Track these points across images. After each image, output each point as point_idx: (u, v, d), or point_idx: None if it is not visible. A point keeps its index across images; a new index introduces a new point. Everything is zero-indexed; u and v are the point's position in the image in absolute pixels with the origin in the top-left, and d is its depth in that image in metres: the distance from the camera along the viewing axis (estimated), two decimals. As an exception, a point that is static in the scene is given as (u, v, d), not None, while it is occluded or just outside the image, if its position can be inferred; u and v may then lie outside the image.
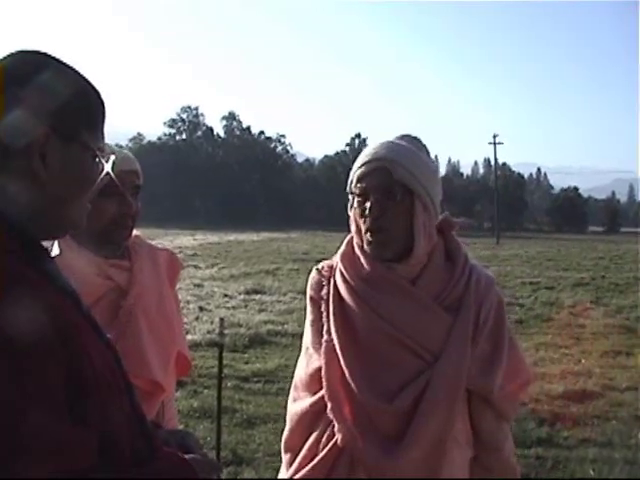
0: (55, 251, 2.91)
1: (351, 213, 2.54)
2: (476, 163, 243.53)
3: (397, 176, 2.38)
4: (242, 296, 19.08)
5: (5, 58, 1.54)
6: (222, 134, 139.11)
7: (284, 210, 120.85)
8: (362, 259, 2.49)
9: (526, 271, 29.14)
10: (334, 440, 2.39)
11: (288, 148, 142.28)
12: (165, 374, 3.07)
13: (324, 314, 2.53)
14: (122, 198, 2.95)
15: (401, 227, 2.41)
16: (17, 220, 1.48)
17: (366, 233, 2.45)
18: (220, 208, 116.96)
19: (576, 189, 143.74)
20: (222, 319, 7.31)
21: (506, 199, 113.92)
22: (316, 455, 2.44)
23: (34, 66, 1.52)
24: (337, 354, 2.42)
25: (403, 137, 2.57)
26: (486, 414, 2.50)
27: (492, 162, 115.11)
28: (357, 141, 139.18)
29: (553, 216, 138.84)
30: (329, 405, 2.40)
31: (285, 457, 2.64)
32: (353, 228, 2.54)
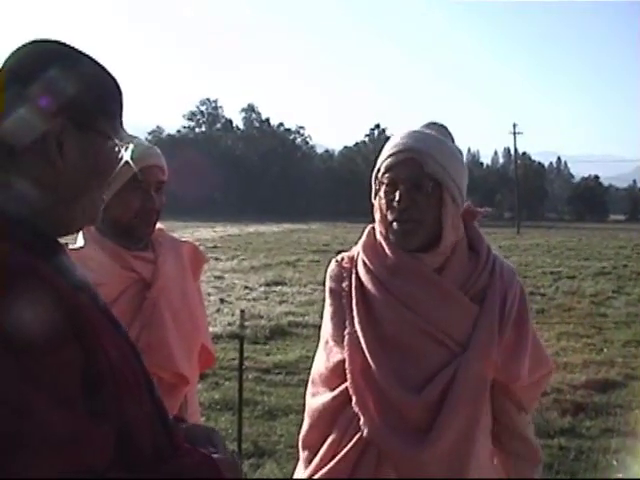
0: (79, 243, 2.95)
1: (376, 202, 2.52)
2: (496, 153, 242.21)
3: (428, 169, 2.37)
4: (263, 288, 19.11)
5: (20, 48, 1.54)
6: (241, 126, 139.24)
7: (304, 201, 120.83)
8: (386, 249, 2.47)
9: (547, 261, 29.05)
10: (359, 435, 2.36)
11: (307, 139, 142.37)
12: (189, 366, 3.08)
13: (346, 306, 2.48)
14: (146, 193, 2.98)
15: (429, 218, 2.40)
16: (30, 214, 1.47)
17: (393, 223, 2.43)
18: (240, 200, 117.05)
19: (597, 178, 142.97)
20: (243, 311, 7.32)
21: (526, 188, 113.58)
22: (338, 452, 2.41)
23: (49, 56, 1.51)
24: (361, 346, 2.39)
25: (430, 125, 2.56)
26: (510, 405, 2.51)
27: (512, 151, 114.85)
28: (376, 132, 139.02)
29: (574, 205, 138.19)
30: (354, 398, 2.37)
31: (303, 454, 2.59)
32: (377, 216, 2.51)
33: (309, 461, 2.53)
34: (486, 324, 2.38)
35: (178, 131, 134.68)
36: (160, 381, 2.82)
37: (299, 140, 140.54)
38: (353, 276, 2.52)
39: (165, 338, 3.01)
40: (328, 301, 2.59)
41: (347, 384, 2.41)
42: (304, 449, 2.60)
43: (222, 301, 16.39)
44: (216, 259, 27.53)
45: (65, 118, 1.48)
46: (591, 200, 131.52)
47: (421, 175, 2.38)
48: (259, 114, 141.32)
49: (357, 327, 2.41)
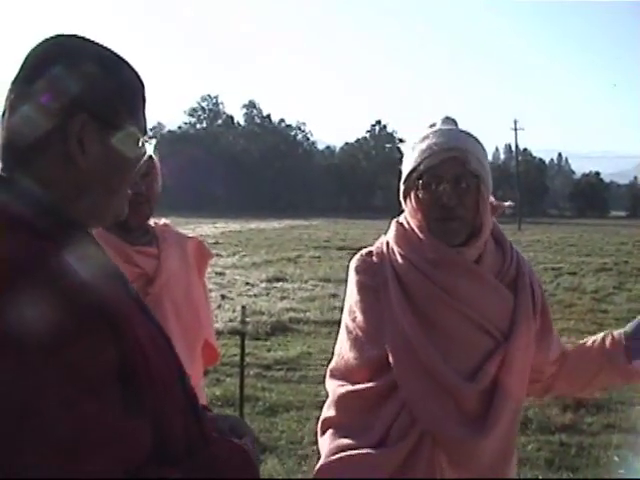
0: None
1: (411, 200, 2.53)
2: (497, 149, 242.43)
3: (470, 166, 2.42)
4: (264, 284, 19.12)
5: (41, 44, 1.54)
6: (242, 122, 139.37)
7: (305, 197, 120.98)
8: (427, 243, 2.49)
9: (548, 257, 29.06)
10: (412, 426, 2.36)
11: (309, 136, 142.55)
12: (191, 362, 3.07)
13: (383, 300, 2.49)
14: (140, 183, 2.99)
15: (472, 213, 2.46)
16: (57, 205, 1.47)
17: (437, 221, 2.46)
18: (241, 196, 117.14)
19: (598, 174, 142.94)
20: (244, 307, 7.34)
21: (527, 185, 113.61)
22: (385, 438, 2.39)
23: (70, 52, 1.52)
24: (408, 339, 2.40)
25: (446, 121, 2.60)
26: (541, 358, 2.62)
27: (513, 148, 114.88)
28: (377, 128, 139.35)
29: (575, 201, 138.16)
30: (404, 391, 2.39)
31: (329, 433, 2.56)
32: (411, 213, 2.54)
33: (338, 437, 2.49)
34: (523, 312, 2.48)
35: (179, 127, 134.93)
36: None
37: (300, 136, 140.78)
38: (388, 269, 2.52)
39: (169, 332, 2.99)
40: (358, 296, 2.56)
41: (391, 374, 2.42)
42: (331, 428, 2.56)
43: (223, 297, 16.39)
44: (217, 255, 27.51)
45: (85, 114, 1.48)
46: (592, 196, 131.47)
47: (465, 172, 2.43)
48: (260, 110, 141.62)
49: (401, 319, 2.43)
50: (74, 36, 1.58)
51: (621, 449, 6.87)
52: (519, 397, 2.44)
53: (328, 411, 2.60)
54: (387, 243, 2.60)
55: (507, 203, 2.70)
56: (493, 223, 2.62)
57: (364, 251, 2.65)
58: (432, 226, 2.48)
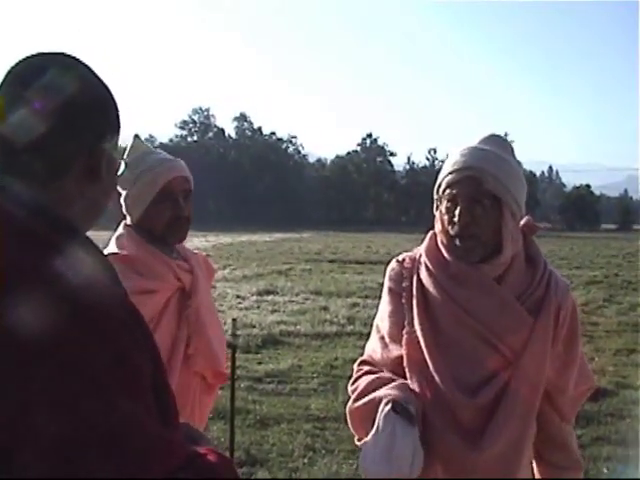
0: (111, 248, 3.09)
1: (437, 214, 2.58)
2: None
3: (487, 186, 2.43)
4: (255, 297, 19.08)
5: (24, 60, 1.54)
6: (233, 135, 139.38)
7: (296, 210, 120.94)
8: (447, 257, 2.54)
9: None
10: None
11: (300, 148, 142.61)
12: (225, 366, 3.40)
13: (405, 306, 2.57)
14: (176, 202, 3.13)
15: (489, 233, 2.46)
16: (54, 209, 1.48)
17: (455, 238, 2.49)
18: (232, 209, 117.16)
19: (588, 187, 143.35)
20: (235, 320, 7.30)
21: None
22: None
23: (47, 67, 1.51)
24: (420, 345, 2.46)
25: (490, 138, 2.61)
26: (554, 416, 2.58)
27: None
28: (368, 141, 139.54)
29: (565, 214, 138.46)
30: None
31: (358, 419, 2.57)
32: (438, 228, 2.58)
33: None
34: (541, 335, 2.45)
35: (170, 140, 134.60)
36: (203, 381, 3.21)
37: (291, 149, 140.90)
38: (414, 277, 2.59)
39: (210, 342, 3.24)
40: (386, 299, 2.67)
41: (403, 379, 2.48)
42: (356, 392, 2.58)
43: (214, 310, 16.32)
44: (208, 268, 27.44)
45: (107, 131, 1.54)
46: (583, 209, 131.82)
47: (480, 192, 2.44)
48: (251, 123, 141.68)
49: (417, 327, 2.49)
50: (58, 53, 1.59)
51: (611, 461, 6.89)
52: (524, 420, 2.42)
53: (351, 386, 2.64)
54: (420, 253, 2.65)
55: (543, 225, 2.71)
56: (531, 244, 2.64)
57: (400, 256, 2.73)
58: (450, 244, 2.52)
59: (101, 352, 1.29)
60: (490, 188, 2.43)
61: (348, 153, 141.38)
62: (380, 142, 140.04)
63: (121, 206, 3.21)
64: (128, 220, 3.22)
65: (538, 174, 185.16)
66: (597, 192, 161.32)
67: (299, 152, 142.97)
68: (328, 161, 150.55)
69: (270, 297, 19.12)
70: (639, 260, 35.99)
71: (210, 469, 1.61)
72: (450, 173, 2.49)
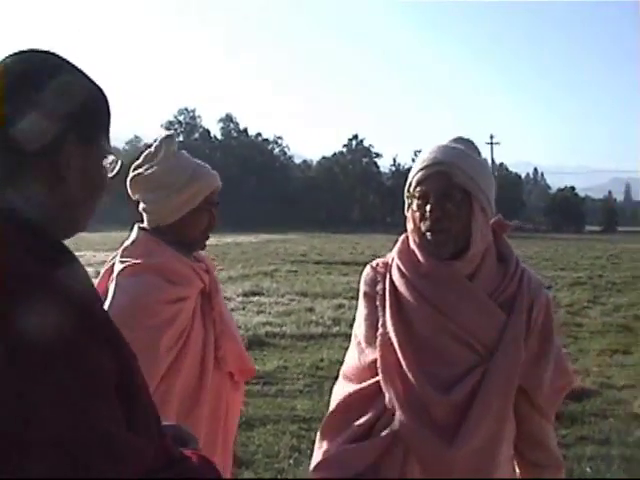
0: (135, 256, 3.08)
1: (408, 214, 2.62)
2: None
3: (456, 180, 2.47)
4: (240, 298, 19.01)
5: (20, 59, 1.54)
6: (219, 136, 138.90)
7: (282, 211, 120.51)
8: (420, 256, 2.57)
9: (524, 271, 29.07)
10: (389, 428, 2.45)
11: (285, 150, 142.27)
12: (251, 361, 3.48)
13: (379, 308, 2.60)
14: (211, 212, 3.23)
15: (460, 228, 2.50)
16: (41, 222, 1.49)
17: (426, 233, 2.53)
18: (217, 210, 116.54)
19: (573, 188, 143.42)
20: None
21: (503, 199, 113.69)
22: (366, 434, 2.49)
23: (53, 69, 1.53)
24: (393, 346, 2.49)
25: (457, 140, 2.66)
26: (532, 413, 2.60)
27: (489, 162, 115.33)
28: (354, 142, 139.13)
29: (550, 216, 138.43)
30: (387, 396, 2.46)
31: (321, 437, 2.65)
32: (410, 227, 2.61)
33: (329, 440, 2.58)
34: (514, 331, 2.48)
35: (155, 140, 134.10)
36: (231, 379, 3.26)
37: (277, 150, 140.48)
38: (387, 280, 2.62)
39: (236, 341, 3.37)
40: (362, 303, 2.71)
41: (378, 379, 2.51)
42: (324, 432, 2.65)
43: (200, 311, 16.26)
44: (193, 269, 27.36)
45: (73, 132, 1.52)
46: (567, 211, 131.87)
47: (450, 186, 2.48)
48: (237, 124, 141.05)
49: (390, 328, 2.52)
50: (50, 53, 1.59)
51: (594, 461, 6.92)
52: (500, 415, 2.44)
53: (330, 411, 2.69)
54: (393, 257, 2.69)
55: (515, 222, 2.74)
56: (503, 242, 2.68)
57: (374, 262, 2.76)
58: (422, 239, 2.55)
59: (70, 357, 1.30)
60: (460, 182, 2.47)
61: (334, 154, 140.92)
62: (366, 143, 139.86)
63: (143, 208, 3.20)
64: (146, 223, 3.22)
65: (523, 176, 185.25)
66: (582, 194, 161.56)
67: (285, 153, 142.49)
68: (314, 162, 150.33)
69: (256, 298, 19.06)
70: (623, 262, 36.19)
71: (193, 471, 1.63)
72: (420, 170, 2.53)
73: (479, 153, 2.67)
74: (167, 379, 2.96)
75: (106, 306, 2.84)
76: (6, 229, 1.43)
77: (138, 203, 3.22)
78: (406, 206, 2.64)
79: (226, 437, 3.30)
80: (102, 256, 31.40)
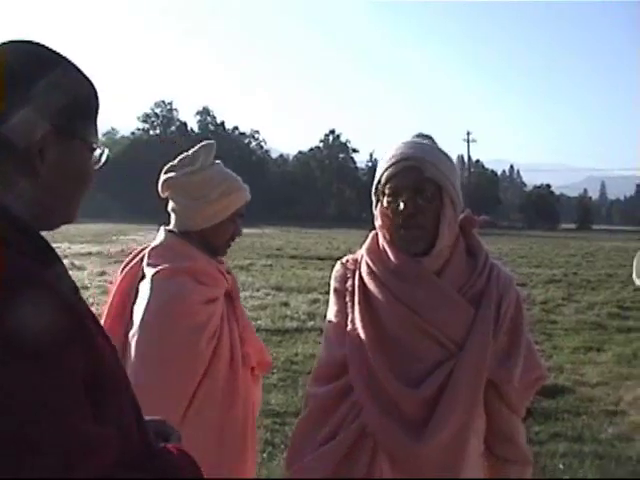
0: (169, 259, 3.17)
1: (377, 211, 2.61)
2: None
3: (428, 174, 2.48)
4: (215, 292, 18.99)
5: (11, 52, 1.52)
6: (196, 129, 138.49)
7: (258, 206, 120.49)
8: (389, 252, 2.56)
9: (499, 268, 29.18)
10: (357, 422, 2.45)
11: (262, 144, 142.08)
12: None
13: (349, 305, 2.60)
14: (237, 223, 3.39)
15: (431, 224, 2.50)
16: (27, 220, 1.49)
17: (399, 229, 2.52)
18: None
19: (548, 186, 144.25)
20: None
21: (479, 196, 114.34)
22: (334, 437, 2.49)
23: (30, 60, 1.52)
24: (362, 342, 2.49)
25: (420, 136, 2.67)
26: (502, 408, 2.59)
27: (466, 159, 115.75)
28: (331, 137, 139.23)
29: (526, 213, 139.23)
30: (355, 392, 2.46)
31: (294, 440, 2.69)
32: (379, 223, 2.61)
33: (301, 446, 2.60)
34: (482, 326, 2.48)
35: (132, 133, 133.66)
36: (252, 372, 3.34)
37: (254, 144, 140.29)
38: (356, 277, 2.63)
39: (256, 336, 3.52)
40: (332, 300, 2.72)
41: (348, 376, 2.50)
42: (296, 436, 2.69)
43: (175, 304, 16.24)
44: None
45: (48, 125, 1.50)
46: (543, 208, 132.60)
47: (422, 180, 2.48)
48: (214, 117, 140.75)
49: (358, 324, 2.53)
50: (31, 42, 1.57)
51: (567, 457, 6.96)
52: (469, 409, 2.44)
53: (302, 414, 2.71)
54: (362, 254, 2.69)
55: (483, 217, 2.75)
56: (472, 237, 2.69)
57: (344, 259, 2.78)
58: (394, 235, 2.55)
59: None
60: (431, 176, 2.48)
61: (311, 149, 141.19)
62: (342, 139, 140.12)
63: (174, 209, 3.32)
64: (174, 224, 3.33)
65: (499, 173, 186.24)
66: (557, 192, 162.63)
67: (262, 147, 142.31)
68: (291, 157, 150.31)
69: (231, 292, 19.03)
70: (598, 260, 36.44)
71: (172, 465, 1.63)
72: (390, 166, 2.53)
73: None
74: (207, 379, 3.06)
75: (142, 307, 3.00)
76: (1, 228, 1.43)
77: (167, 202, 3.37)
78: (374, 203, 2.64)
79: (254, 432, 3.39)
80: (77, 248, 31.37)
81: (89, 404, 1.37)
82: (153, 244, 3.28)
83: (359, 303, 2.56)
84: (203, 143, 3.44)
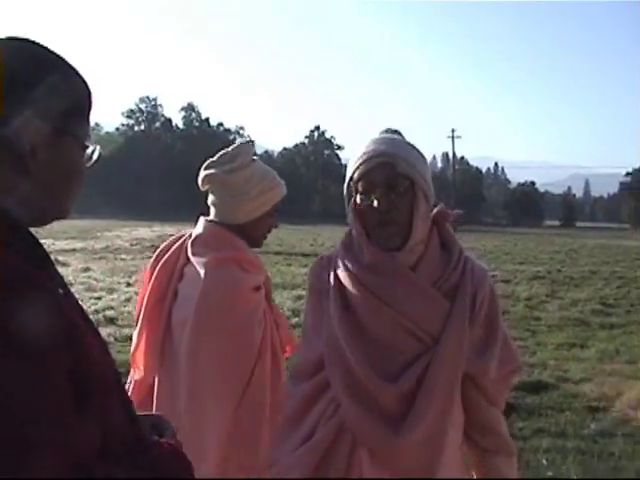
0: (217, 248, 3.29)
1: (350, 208, 2.61)
2: (434, 157, 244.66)
3: (400, 169, 2.47)
4: (200, 287, 18.97)
5: (10, 53, 1.52)
6: (181, 125, 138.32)
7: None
8: (364, 248, 2.56)
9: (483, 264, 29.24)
10: (336, 418, 2.45)
11: (247, 140, 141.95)
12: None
13: (325, 301, 2.61)
14: (273, 217, 3.57)
15: (406, 217, 2.50)
16: (19, 218, 1.50)
17: (375, 227, 2.53)
18: (179, 199, 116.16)
19: (533, 183, 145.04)
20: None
21: (464, 193, 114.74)
22: (313, 434, 2.50)
23: (27, 58, 1.53)
24: (339, 338, 2.49)
25: (389, 131, 2.67)
26: (480, 400, 2.60)
27: (450, 156, 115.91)
28: (316, 134, 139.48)
29: (510, 210, 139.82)
30: (333, 388, 2.47)
31: (276, 439, 2.69)
32: (352, 221, 2.61)
33: (281, 445, 2.60)
34: (457, 319, 2.48)
35: (117, 129, 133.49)
36: (282, 356, 3.45)
37: (239, 140, 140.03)
38: (332, 274, 2.63)
39: (286, 322, 3.72)
40: (309, 297, 2.75)
41: (325, 372, 2.51)
42: (276, 435, 2.69)
43: (159, 300, 16.23)
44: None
45: (41, 122, 1.50)
46: (527, 205, 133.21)
47: (395, 176, 2.48)
48: (199, 113, 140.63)
49: (335, 321, 2.52)
50: (27, 41, 1.58)
51: (550, 453, 6.98)
52: (446, 402, 2.44)
53: (284, 410, 2.71)
54: (338, 250, 2.70)
55: (456, 211, 2.77)
56: (446, 231, 2.69)
57: (320, 256, 2.80)
58: (370, 232, 2.55)
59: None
60: (404, 171, 2.48)
61: (296, 145, 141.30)
62: (328, 135, 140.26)
63: (214, 203, 3.47)
64: (214, 216, 3.46)
65: (484, 170, 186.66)
66: (541, 189, 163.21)
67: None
68: (275, 153, 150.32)
69: (215, 288, 19.02)
70: (581, 256, 36.60)
71: (162, 458, 1.65)
72: (362, 163, 2.53)
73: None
74: (258, 364, 3.20)
75: (197, 294, 3.12)
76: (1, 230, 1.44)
77: (206, 196, 3.54)
78: (346, 201, 2.65)
79: None
80: (62, 244, 31.28)
81: (73, 402, 1.37)
82: (195, 233, 3.41)
83: (335, 300, 2.56)
84: (242, 141, 3.60)
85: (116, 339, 11.58)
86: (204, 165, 3.51)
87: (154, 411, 2.93)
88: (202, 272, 3.18)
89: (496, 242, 50.94)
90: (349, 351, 2.46)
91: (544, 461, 6.76)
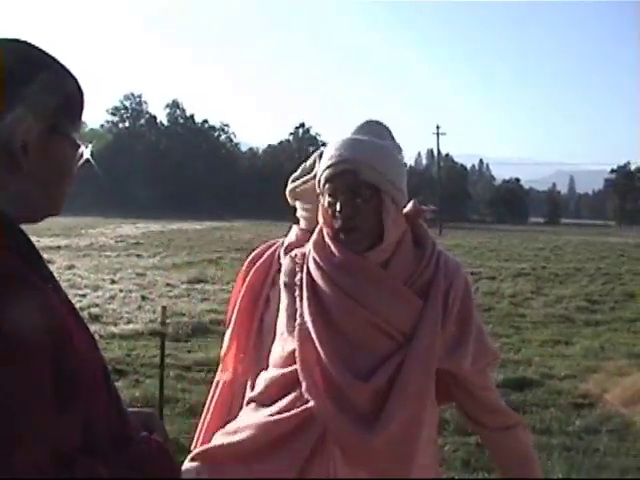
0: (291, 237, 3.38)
1: (320, 208, 2.62)
2: (419, 154, 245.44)
3: (363, 177, 2.45)
4: (185, 285, 19.02)
5: (4, 52, 1.52)
6: (165, 122, 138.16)
7: (228, 199, 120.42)
8: (333, 248, 2.56)
9: (468, 261, 29.32)
10: (305, 407, 2.43)
11: (232, 137, 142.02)
12: None
13: (297, 299, 2.59)
14: None
15: (372, 223, 2.49)
16: (11, 215, 1.50)
17: (339, 233, 2.52)
18: (163, 197, 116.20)
19: (518, 180, 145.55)
20: (164, 308, 7.27)
21: (449, 190, 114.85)
22: (283, 411, 2.49)
23: (24, 61, 1.53)
24: (311, 336, 2.48)
25: (366, 125, 2.66)
26: (473, 389, 2.62)
27: (435, 153, 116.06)
28: (301, 130, 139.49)
29: (495, 207, 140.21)
30: (304, 385, 2.44)
31: (249, 406, 2.68)
32: (322, 220, 2.61)
33: (243, 420, 2.61)
34: (430, 317, 2.47)
35: (101, 126, 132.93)
36: None
37: (223, 137, 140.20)
38: (304, 271, 2.61)
39: None
40: (282, 295, 2.71)
41: (297, 368, 2.49)
42: (253, 402, 2.66)
43: (143, 298, 16.29)
44: (138, 256, 27.40)
45: (32, 120, 1.50)
46: (512, 202, 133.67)
47: (357, 184, 2.46)
48: (183, 110, 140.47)
49: (307, 318, 2.51)
50: (19, 41, 1.58)
51: (535, 449, 6.98)
52: (419, 400, 2.44)
53: (255, 390, 2.70)
54: (309, 248, 2.68)
55: (429, 207, 2.76)
56: (419, 227, 2.67)
57: (292, 253, 2.76)
58: (334, 235, 2.56)
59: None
60: (366, 178, 2.46)
61: (280, 142, 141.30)
62: (312, 132, 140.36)
63: (301, 214, 3.44)
64: (302, 224, 3.43)
65: (469, 167, 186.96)
66: (526, 186, 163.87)
67: (231, 141, 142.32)
68: (260, 150, 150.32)
69: (200, 285, 19.09)
70: (566, 253, 36.76)
71: (146, 454, 1.66)
72: (327, 168, 2.53)
73: (391, 136, 2.68)
74: None
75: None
76: None
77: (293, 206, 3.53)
78: (319, 200, 2.65)
79: None
80: (46, 241, 31.18)
81: (56, 398, 1.37)
82: (287, 241, 3.41)
83: (307, 298, 2.55)
84: (319, 151, 3.45)
85: (101, 336, 11.54)
86: (289, 179, 3.50)
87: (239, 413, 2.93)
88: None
89: (481, 239, 51.13)
90: (322, 350, 2.45)
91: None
